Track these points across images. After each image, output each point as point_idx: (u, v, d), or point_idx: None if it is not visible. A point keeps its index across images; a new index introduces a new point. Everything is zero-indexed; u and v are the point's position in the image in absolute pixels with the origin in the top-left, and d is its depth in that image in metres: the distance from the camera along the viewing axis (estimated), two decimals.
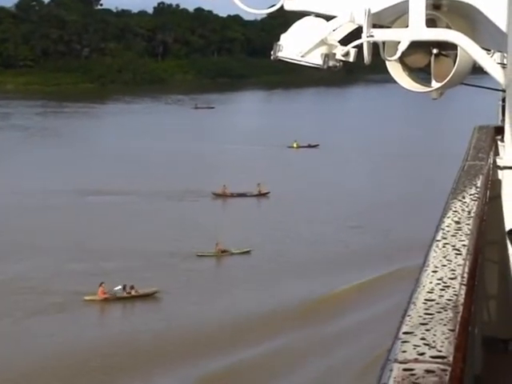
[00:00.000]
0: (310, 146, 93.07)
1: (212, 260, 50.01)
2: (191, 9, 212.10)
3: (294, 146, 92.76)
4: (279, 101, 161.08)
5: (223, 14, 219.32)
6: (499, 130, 9.65)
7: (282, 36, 6.92)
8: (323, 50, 6.81)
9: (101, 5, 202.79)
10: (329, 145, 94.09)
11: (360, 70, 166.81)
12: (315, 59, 6.80)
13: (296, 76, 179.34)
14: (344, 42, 7.00)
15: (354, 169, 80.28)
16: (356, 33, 6.90)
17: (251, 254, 50.64)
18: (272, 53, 6.89)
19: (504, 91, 8.39)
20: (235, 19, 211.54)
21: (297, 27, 6.89)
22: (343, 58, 6.85)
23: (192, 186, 69.82)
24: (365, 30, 6.51)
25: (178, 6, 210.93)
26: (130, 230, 55.98)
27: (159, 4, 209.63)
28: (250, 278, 46.05)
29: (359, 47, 6.70)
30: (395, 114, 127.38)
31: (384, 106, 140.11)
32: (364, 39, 6.54)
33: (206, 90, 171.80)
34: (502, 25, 7.19)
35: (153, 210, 62.59)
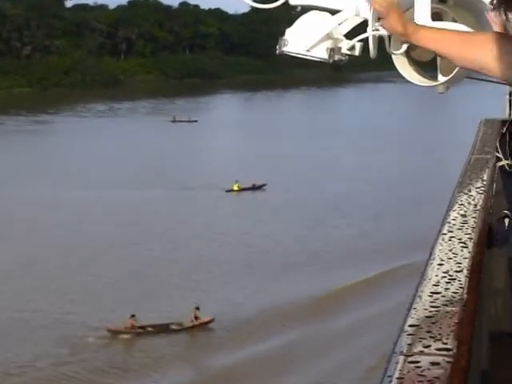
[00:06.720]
0: (254, 188, 70.33)
1: None
2: (176, 4, 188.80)
3: (235, 188, 69.60)
4: (258, 109, 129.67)
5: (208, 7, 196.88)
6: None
7: (287, 30, 6.90)
8: (329, 44, 6.77)
9: None
10: (280, 182, 68.10)
11: (349, 68, 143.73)
12: (321, 53, 6.76)
13: (277, 75, 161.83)
14: (350, 35, 6.97)
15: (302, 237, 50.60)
16: (362, 26, 6.87)
17: None
18: (277, 47, 6.87)
19: (511, 85, 8.35)
20: (214, 13, 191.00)
21: (302, 21, 6.88)
22: (349, 52, 6.82)
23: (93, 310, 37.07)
24: (370, 23, 6.49)
25: None
26: None
27: None
28: None
29: (365, 41, 6.67)
30: (388, 125, 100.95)
31: (376, 113, 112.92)
32: (369, 33, 6.50)
33: (171, 93, 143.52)
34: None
35: None
